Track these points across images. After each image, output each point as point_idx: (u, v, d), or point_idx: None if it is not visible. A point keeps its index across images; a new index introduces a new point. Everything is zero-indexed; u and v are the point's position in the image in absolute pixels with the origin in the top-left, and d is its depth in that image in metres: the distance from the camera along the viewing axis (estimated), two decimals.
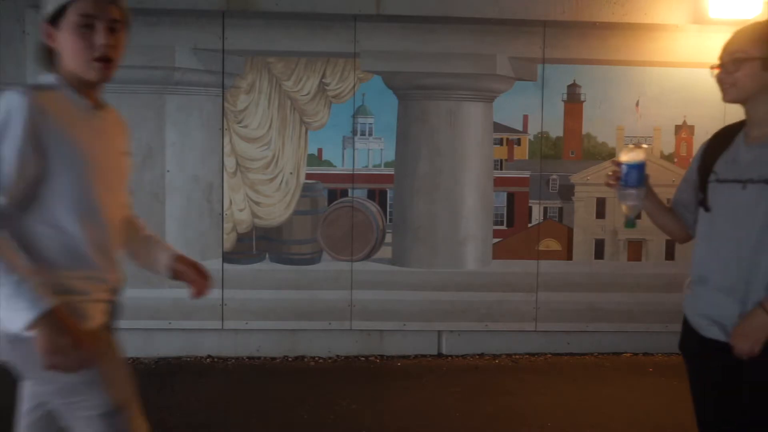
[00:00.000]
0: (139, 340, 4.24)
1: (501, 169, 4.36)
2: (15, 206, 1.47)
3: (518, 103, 4.31)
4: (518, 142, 4.36)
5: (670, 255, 4.45)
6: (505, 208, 4.39)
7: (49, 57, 1.59)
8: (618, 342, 4.46)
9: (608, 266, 4.42)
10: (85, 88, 1.60)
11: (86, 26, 1.52)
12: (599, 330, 4.42)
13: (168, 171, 4.18)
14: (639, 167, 1.83)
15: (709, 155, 1.88)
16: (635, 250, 4.44)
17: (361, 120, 4.25)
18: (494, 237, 4.37)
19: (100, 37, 1.53)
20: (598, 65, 4.30)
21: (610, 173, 1.87)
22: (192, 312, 4.17)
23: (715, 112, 4.38)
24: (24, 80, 4.06)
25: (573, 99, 4.34)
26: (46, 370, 1.44)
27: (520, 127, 4.35)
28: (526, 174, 4.38)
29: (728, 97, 1.81)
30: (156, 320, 4.19)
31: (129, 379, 1.75)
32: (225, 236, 4.21)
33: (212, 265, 4.21)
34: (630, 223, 1.97)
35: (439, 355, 4.37)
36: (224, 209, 4.22)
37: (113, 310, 1.73)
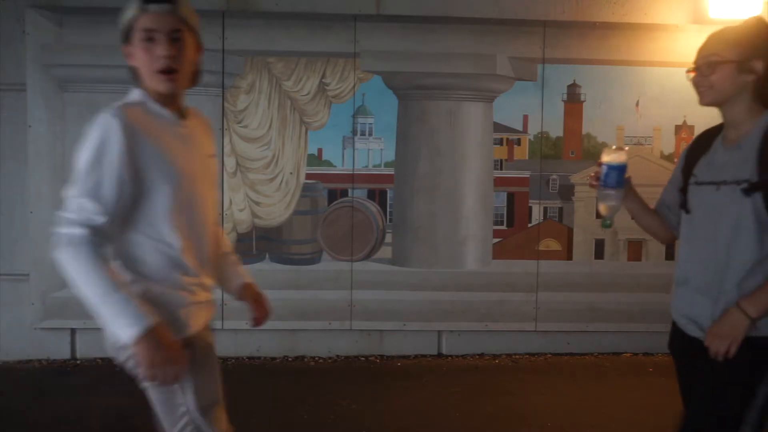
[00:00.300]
0: None
1: (501, 169, 4.36)
2: (115, 224, 1.56)
3: (518, 103, 4.31)
4: (518, 142, 4.36)
5: (670, 255, 4.44)
6: (505, 208, 4.39)
7: (135, 75, 1.68)
8: (618, 342, 4.46)
9: (608, 266, 4.42)
10: (166, 99, 1.65)
11: (149, 40, 1.57)
12: (599, 330, 4.42)
13: None
14: (619, 169, 1.86)
15: (690, 158, 1.92)
16: (635, 250, 4.44)
17: (361, 120, 4.25)
18: (494, 237, 4.37)
19: (160, 49, 1.57)
20: (598, 65, 4.30)
21: (592, 174, 1.91)
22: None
23: (715, 112, 4.36)
24: (24, 80, 4.06)
25: (573, 99, 4.34)
26: (144, 381, 1.63)
27: (520, 127, 4.35)
28: (526, 174, 4.38)
29: (705, 100, 1.83)
30: None
31: (219, 377, 1.87)
32: (225, 236, 4.21)
33: None
34: (606, 224, 1.96)
35: (439, 355, 4.38)
36: (224, 209, 4.22)
37: (211, 311, 1.83)
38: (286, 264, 4.27)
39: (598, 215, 1.90)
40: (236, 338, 4.26)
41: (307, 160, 4.25)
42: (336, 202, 4.29)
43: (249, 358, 4.27)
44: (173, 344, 1.55)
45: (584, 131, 4.37)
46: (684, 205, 1.86)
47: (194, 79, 1.72)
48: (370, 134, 4.27)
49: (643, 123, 4.38)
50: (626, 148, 1.91)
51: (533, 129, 4.35)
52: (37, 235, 4.13)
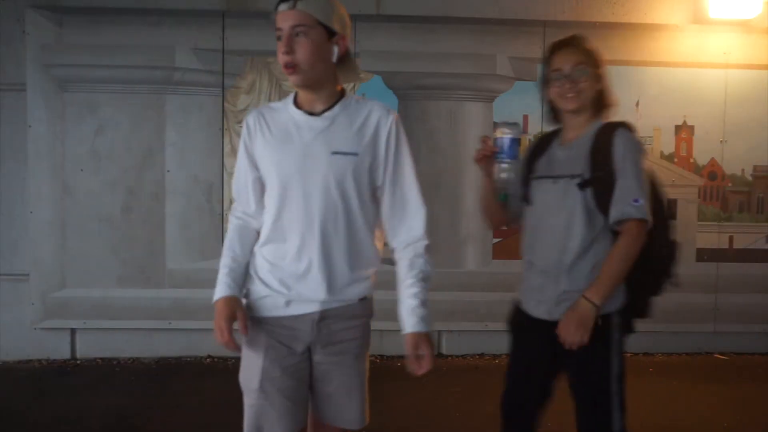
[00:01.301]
0: (139, 340, 4.24)
1: None
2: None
3: (518, 103, 4.30)
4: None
5: None
6: None
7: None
8: None
9: None
10: (305, 93, 1.71)
11: (279, 38, 1.65)
12: None
13: (168, 171, 4.18)
14: (516, 141, 1.96)
15: (531, 156, 2.07)
16: None
17: None
18: (494, 237, 4.36)
19: (281, 46, 1.64)
20: None
21: (486, 148, 1.98)
22: (192, 312, 4.17)
23: (715, 112, 4.39)
24: (24, 80, 4.07)
25: None
26: None
27: None
28: None
29: (572, 106, 1.96)
30: (156, 320, 4.19)
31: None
32: (225, 236, 4.21)
33: (212, 265, 4.19)
34: (504, 196, 2.06)
35: (439, 355, 4.37)
36: (224, 209, 4.21)
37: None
38: None
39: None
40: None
41: None
42: None
43: None
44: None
45: None
46: (526, 198, 2.03)
47: (347, 70, 1.75)
48: None
49: (643, 123, 4.37)
50: (517, 122, 2.03)
51: (533, 129, 4.34)
52: (37, 235, 4.13)
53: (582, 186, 1.88)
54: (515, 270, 4.36)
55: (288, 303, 1.71)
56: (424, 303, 1.69)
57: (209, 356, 4.26)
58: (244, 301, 1.77)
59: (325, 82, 1.69)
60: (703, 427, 3.29)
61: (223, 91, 4.16)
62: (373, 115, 1.71)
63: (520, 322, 2.08)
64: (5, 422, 3.30)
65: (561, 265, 1.92)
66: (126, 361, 4.20)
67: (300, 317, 1.70)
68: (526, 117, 4.33)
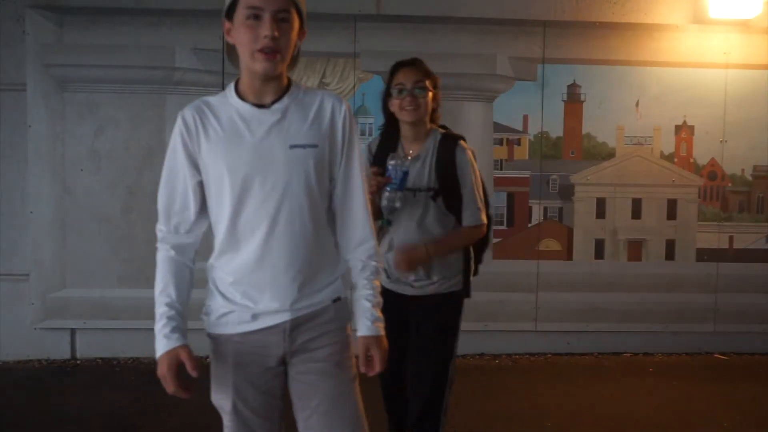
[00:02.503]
0: (139, 340, 4.23)
1: (501, 169, 4.36)
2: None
3: (518, 103, 4.31)
4: (518, 142, 4.36)
5: (670, 255, 4.45)
6: (505, 208, 4.39)
7: (233, 54, 1.59)
8: (618, 342, 4.46)
9: (608, 266, 4.42)
10: (259, 83, 1.55)
11: (254, 17, 1.48)
12: (599, 330, 4.42)
13: None
14: (406, 172, 2.21)
15: (379, 163, 2.29)
16: (635, 250, 4.44)
17: (361, 120, 4.24)
18: (494, 237, 4.36)
19: (264, 29, 1.47)
20: (598, 65, 4.30)
21: (378, 179, 2.19)
22: (192, 312, 4.16)
23: (715, 112, 4.39)
24: (24, 80, 4.06)
25: (573, 99, 4.34)
26: None
27: (520, 127, 4.35)
28: (526, 174, 4.38)
29: (412, 117, 2.25)
30: None
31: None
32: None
33: None
34: (387, 222, 2.29)
35: None
36: None
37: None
38: None
39: (380, 215, 2.27)
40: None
41: None
42: None
43: None
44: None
45: (584, 131, 4.37)
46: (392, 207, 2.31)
47: (293, 62, 1.61)
48: (370, 134, 4.26)
49: (643, 123, 4.38)
50: (409, 154, 2.28)
51: (533, 129, 4.35)
52: (37, 235, 4.13)
53: (434, 197, 2.25)
54: (515, 270, 4.41)
55: (255, 316, 1.59)
56: (376, 305, 1.63)
57: (209, 356, 4.25)
58: (205, 318, 1.70)
59: (282, 73, 1.57)
60: (703, 427, 3.28)
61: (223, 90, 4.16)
62: (326, 103, 1.58)
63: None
64: (5, 422, 3.30)
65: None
66: (126, 361, 4.20)
67: (269, 329, 1.58)
68: (526, 117, 4.33)
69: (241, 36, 1.50)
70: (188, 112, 1.57)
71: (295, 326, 1.59)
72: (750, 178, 4.47)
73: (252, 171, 1.51)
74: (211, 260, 1.66)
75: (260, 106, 1.55)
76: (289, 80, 1.60)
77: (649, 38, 4.30)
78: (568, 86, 4.33)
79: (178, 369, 1.57)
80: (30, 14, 4.03)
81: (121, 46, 4.09)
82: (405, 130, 2.31)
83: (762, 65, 4.36)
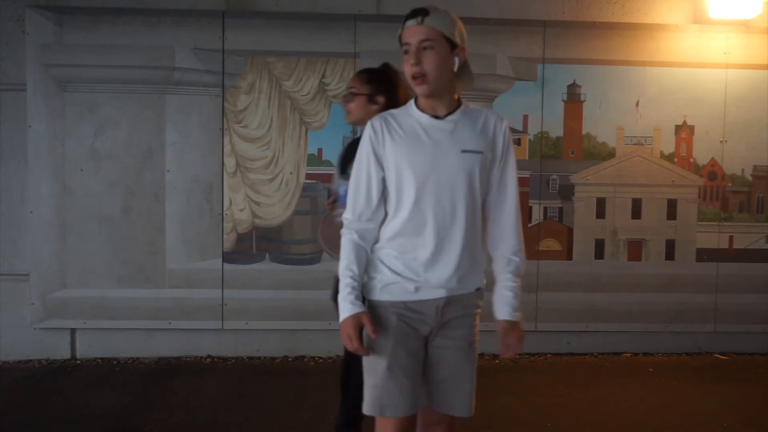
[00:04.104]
0: (139, 340, 4.24)
1: None
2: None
3: (518, 103, 4.31)
4: (518, 142, 4.36)
5: (670, 255, 4.45)
6: None
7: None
8: (618, 342, 4.46)
9: (608, 266, 4.42)
10: (427, 101, 1.85)
11: (406, 52, 1.80)
12: (599, 330, 4.42)
13: (168, 171, 4.18)
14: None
15: (344, 161, 2.48)
16: (635, 250, 4.44)
17: None
18: None
19: (410, 58, 1.78)
20: (598, 65, 4.30)
21: (330, 199, 2.48)
22: (192, 312, 4.17)
23: (715, 112, 4.39)
24: (24, 80, 4.07)
25: (573, 99, 4.34)
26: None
27: (520, 127, 4.35)
28: (526, 174, 4.38)
29: (348, 120, 2.53)
30: (156, 320, 4.19)
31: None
32: (225, 236, 4.21)
33: (212, 265, 4.21)
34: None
35: None
36: (224, 209, 4.22)
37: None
38: (286, 264, 4.27)
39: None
40: (236, 338, 4.26)
41: (307, 160, 4.25)
42: None
43: (249, 358, 4.27)
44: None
45: (584, 131, 4.37)
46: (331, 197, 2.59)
47: (464, 79, 1.87)
48: None
49: (643, 123, 4.38)
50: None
51: (533, 129, 4.35)
52: (37, 235, 4.13)
53: None
54: None
55: (417, 288, 1.82)
56: (516, 296, 1.89)
57: (209, 356, 4.26)
58: (368, 285, 1.90)
59: (447, 90, 1.84)
60: (703, 427, 3.28)
61: (223, 91, 4.16)
62: (490, 119, 1.87)
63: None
64: (5, 422, 3.30)
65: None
66: (126, 361, 4.20)
67: (427, 302, 1.82)
68: (526, 117, 4.33)
69: (404, 67, 1.82)
70: (376, 120, 1.88)
71: (447, 303, 1.84)
72: (750, 178, 4.48)
73: (430, 168, 1.80)
74: (380, 243, 1.89)
75: (436, 117, 1.84)
76: (459, 98, 1.89)
77: (649, 38, 4.30)
78: (568, 86, 4.33)
79: (360, 330, 1.81)
80: (30, 14, 4.04)
81: (121, 46, 4.09)
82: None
83: (762, 65, 4.36)
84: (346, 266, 1.86)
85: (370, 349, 1.84)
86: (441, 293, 1.83)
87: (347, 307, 1.81)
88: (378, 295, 1.86)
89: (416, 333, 1.84)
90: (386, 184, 1.85)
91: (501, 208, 1.89)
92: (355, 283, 1.84)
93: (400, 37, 1.82)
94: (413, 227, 1.82)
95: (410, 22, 1.79)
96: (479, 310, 1.91)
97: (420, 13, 1.78)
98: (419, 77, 1.78)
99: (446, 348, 1.86)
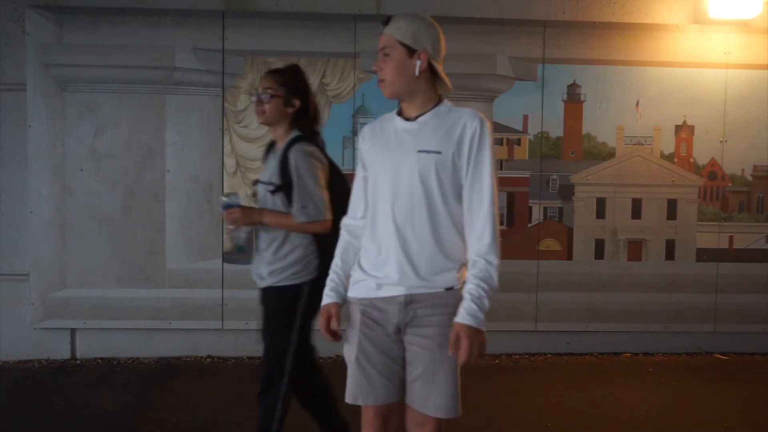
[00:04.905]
0: (139, 340, 4.24)
1: (501, 169, 4.36)
2: None
3: (518, 103, 4.31)
4: (518, 142, 4.36)
5: (669, 255, 4.45)
6: (505, 208, 4.39)
7: None
8: (618, 342, 4.46)
9: (608, 266, 4.42)
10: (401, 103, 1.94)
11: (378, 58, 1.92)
12: (599, 330, 4.42)
13: (168, 171, 4.18)
14: (228, 208, 2.45)
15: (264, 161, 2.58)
16: (635, 250, 4.44)
17: (361, 120, 4.25)
18: None
19: (376, 64, 1.91)
20: (598, 65, 4.31)
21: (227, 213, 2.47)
22: (192, 312, 4.17)
23: (715, 112, 4.39)
24: (24, 80, 4.07)
25: (573, 99, 4.34)
26: None
27: (520, 127, 4.35)
28: (526, 174, 4.38)
29: (259, 120, 2.50)
30: (156, 320, 4.19)
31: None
32: (225, 236, 4.21)
33: (212, 265, 4.21)
34: (239, 249, 2.61)
35: None
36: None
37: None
38: None
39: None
40: (236, 338, 4.26)
41: None
42: None
43: (249, 358, 4.27)
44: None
45: (584, 131, 4.37)
46: (254, 195, 2.60)
47: (433, 80, 1.93)
48: None
49: (643, 123, 4.38)
50: (231, 194, 2.54)
51: (533, 129, 4.35)
52: (37, 235, 4.13)
53: (273, 192, 2.45)
54: (515, 270, 4.41)
55: (379, 286, 1.88)
56: (475, 299, 1.82)
57: (209, 356, 4.26)
58: (352, 282, 1.99)
59: (415, 92, 1.89)
60: (703, 427, 3.28)
61: (223, 91, 4.16)
62: (461, 119, 1.88)
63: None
64: (5, 422, 3.30)
65: (268, 248, 2.48)
66: (126, 361, 4.20)
67: (388, 299, 1.87)
68: (526, 117, 4.33)
69: None
70: (369, 124, 2.00)
71: (409, 302, 1.86)
72: (750, 178, 4.48)
73: (387, 167, 1.88)
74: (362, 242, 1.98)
75: (408, 119, 1.92)
76: (440, 98, 1.96)
77: (649, 38, 4.30)
78: (568, 86, 4.33)
79: (329, 320, 1.94)
80: (30, 14, 4.04)
81: (121, 46, 4.09)
82: (271, 132, 2.56)
83: (762, 65, 4.36)
84: (334, 261, 2.00)
85: (345, 342, 1.97)
86: (400, 290, 1.85)
87: (324, 298, 1.97)
88: (350, 292, 1.97)
89: (382, 328, 1.89)
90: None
91: (473, 208, 1.86)
92: (335, 275, 1.98)
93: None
94: (372, 226, 1.92)
95: (380, 29, 1.92)
96: (452, 309, 1.83)
97: (384, 21, 1.91)
98: (381, 81, 1.89)
99: (416, 345, 1.88)
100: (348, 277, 1.98)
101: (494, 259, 1.84)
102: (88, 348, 4.26)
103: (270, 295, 2.51)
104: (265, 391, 2.53)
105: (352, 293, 1.96)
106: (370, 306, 1.90)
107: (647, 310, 4.39)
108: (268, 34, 4.16)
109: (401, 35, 1.87)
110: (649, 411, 3.49)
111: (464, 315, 1.79)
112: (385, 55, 1.88)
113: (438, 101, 1.94)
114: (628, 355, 4.45)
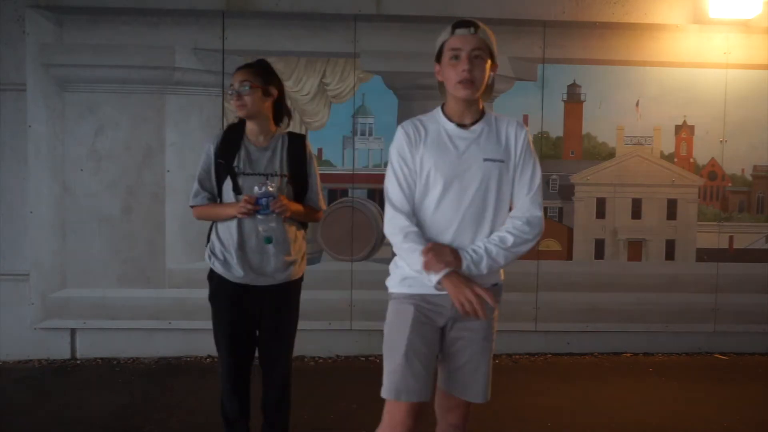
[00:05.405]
0: (139, 340, 4.24)
1: None
2: None
3: (518, 103, 4.31)
4: None
5: (669, 255, 4.45)
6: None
7: (442, 88, 2.05)
8: (618, 342, 4.47)
9: (608, 266, 4.42)
10: (461, 108, 2.00)
11: (455, 57, 1.94)
12: (599, 330, 4.42)
13: (168, 171, 4.18)
14: (272, 196, 2.39)
15: (222, 153, 2.51)
16: (635, 250, 4.45)
17: (361, 120, 4.25)
18: None
19: (462, 64, 1.92)
20: (598, 65, 4.31)
21: (249, 207, 2.40)
22: (192, 312, 4.17)
23: (715, 112, 4.39)
24: (24, 80, 4.07)
25: (573, 99, 4.34)
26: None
27: None
28: None
29: (241, 114, 2.48)
30: (156, 320, 4.20)
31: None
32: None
33: None
34: (268, 240, 2.48)
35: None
36: None
37: None
38: None
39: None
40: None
41: None
42: (336, 202, 4.29)
43: None
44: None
45: (584, 131, 4.38)
46: (237, 189, 2.49)
47: (488, 91, 2.06)
48: (370, 134, 4.27)
49: (643, 123, 4.38)
50: (270, 184, 2.42)
51: (533, 129, 4.35)
52: (37, 235, 4.13)
53: (288, 182, 2.50)
54: (516, 270, 4.37)
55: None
56: (483, 254, 1.88)
57: (209, 356, 4.26)
58: (390, 276, 2.08)
59: (479, 99, 2.02)
60: (703, 427, 3.28)
61: (222, 91, 4.16)
62: (510, 128, 2.02)
63: (221, 295, 2.73)
64: (5, 422, 3.30)
65: (285, 241, 2.51)
66: (126, 361, 4.20)
67: (444, 296, 1.88)
68: (526, 117, 4.33)
69: (447, 72, 1.95)
70: (409, 125, 2.01)
71: None
72: (750, 178, 4.48)
73: (453, 173, 1.93)
74: None
75: (461, 125, 1.99)
76: (483, 107, 2.05)
77: (649, 38, 4.30)
78: (568, 86, 4.33)
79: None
80: (30, 14, 4.04)
81: (121, 46, 4.09)
82: (248, 124, 2.53)
83: (762, 65, 4.36)
84: (415, 238, 1.94)
85: (389, 337, 1.98)
86: None
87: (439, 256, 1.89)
88: (396, 287, 2.02)
89: (432, 323, 1.96)
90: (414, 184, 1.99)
91: (519, 198, 1.98)
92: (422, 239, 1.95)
93: (443, 43, 1.97)
94: (434, 226, 1.95)
95: (462, 31, 1.96)
96: (497, 305, 1.96)
97: (472, 24, 1.97)
98: (467, 82, 1.92)
99: (462, 339, 1.98)
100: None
101: (527, 236, 1.93)
102: (88, 348, 4.26)
103: (286, 290, 2.59)
104: (284, 396, 2.64)
105: (402, 289, 2.00)
106: (423, 301, 1.95)
107: (647, 310, 4.39)
108: (268, 34, 4.16)
109: (490, 44, 1.97)
110: (649, 411, 3.49)
111: (468, 262, 1.88)
112: (476, 57, 1.93)
113: (483, 110, 2.04)
114: (628, 355, 4.45)
